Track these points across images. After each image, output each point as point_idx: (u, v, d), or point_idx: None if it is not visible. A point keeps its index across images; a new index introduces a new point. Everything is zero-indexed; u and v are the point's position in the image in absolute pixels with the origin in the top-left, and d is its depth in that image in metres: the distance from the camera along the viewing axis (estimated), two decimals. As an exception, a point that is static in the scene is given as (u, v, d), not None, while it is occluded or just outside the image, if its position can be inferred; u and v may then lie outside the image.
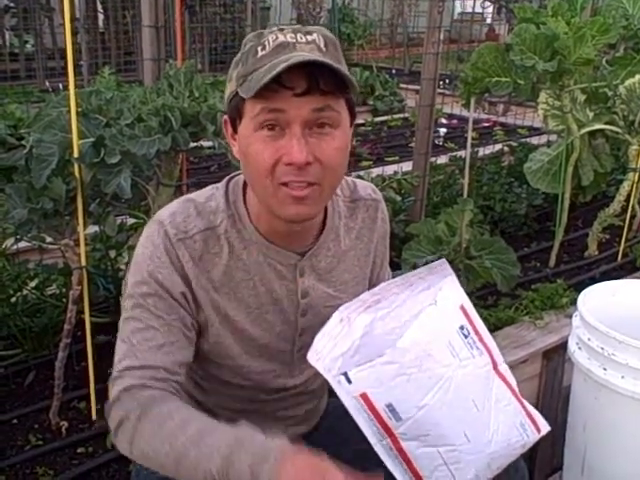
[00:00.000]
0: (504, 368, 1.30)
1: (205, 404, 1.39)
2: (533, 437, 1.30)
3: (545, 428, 1.33)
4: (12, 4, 8.79)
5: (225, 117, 1.22)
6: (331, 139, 1.13)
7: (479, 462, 1.21)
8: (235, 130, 1.18)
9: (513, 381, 1.32)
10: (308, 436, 1.51)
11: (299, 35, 1.11)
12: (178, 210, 1.24)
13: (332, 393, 1.54)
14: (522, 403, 1.31)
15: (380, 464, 1.17)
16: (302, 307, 1.31)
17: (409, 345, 1.13)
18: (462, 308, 1.26)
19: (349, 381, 1.11)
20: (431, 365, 1.15)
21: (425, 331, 1.16)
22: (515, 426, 1.26)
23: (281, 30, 1.12)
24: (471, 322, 1.25)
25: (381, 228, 1.42)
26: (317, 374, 1.37)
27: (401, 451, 1.15)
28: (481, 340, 1.25)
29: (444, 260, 1.32)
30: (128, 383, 1.16)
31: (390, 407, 1.12)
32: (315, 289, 1.31)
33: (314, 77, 1.08)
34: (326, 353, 1.14)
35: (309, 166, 1.12)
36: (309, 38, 1.11)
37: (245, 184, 1.27)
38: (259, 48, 1.11)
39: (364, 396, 1.12)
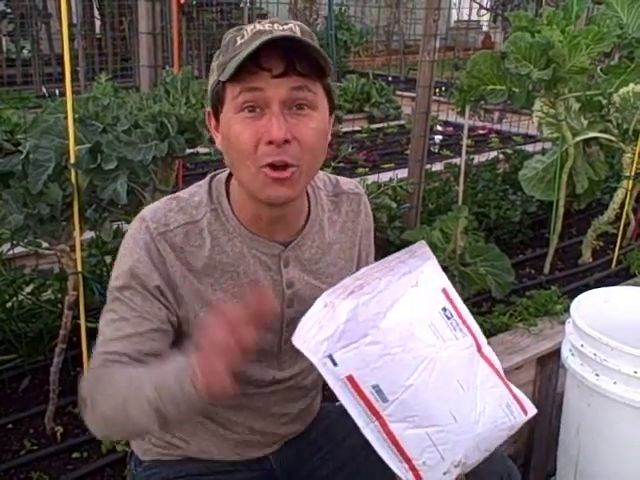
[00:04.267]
0: (488, 351, 1.31)
1: None
2: (520, 418, 1.30)
3: (532, 410, 1.33)
4: (9, 10, 8.80)
5: (208, 109, 1.25)
6: (309, 120, 1.18)
7: (467, 443, 1.21)
8: (217, 120, 1.22)
9: (498, 364, 1.32)
10: (303, 437, 1.52)
11: (276, 25, 1.17)
12: (160, 206, 1.28)
13: (326, 397, 1.55)
14: (508, 385, 1.31)
15: (373, 462, 1.17)
16: (288, 297, 1.33)
17: (392, 325, 1.14)
18: (444, 291, 1.26)
19: (335, 363, 1.12)
20: (415, 345, 1.15)
21: (407, 312, 1.16)
22: (501, 407, 1.27)
23: (260, 22, 1.18)
24: (454, 305, 1.25)
25: (364, 222, 1.45)
26: (307, 369, 1.39)
27: (389, 434, 1.16)
28: (464, 323, 1.25)
29: (424, 243, 1.31)
30: (91, 365, 1.23)
31: (376, 388, 1.13)
32: (300, 280, 1.33)
33: (291, 60, 1.13)
34: (311, 337, 1.14)
35: (288, 145, 1.15)
36: (286, 27, 1.17)
37: (228, 180, 1.31)
38: (238, 38, 1.18)
39: (350, 378, 1.12)
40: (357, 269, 1.44)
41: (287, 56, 1.13)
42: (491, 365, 1.29)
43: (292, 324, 1.33)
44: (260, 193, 1.20)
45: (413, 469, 1.18)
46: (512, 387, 1.32)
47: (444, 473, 1.20)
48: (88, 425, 1.23)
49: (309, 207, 1.35)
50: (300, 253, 1.33)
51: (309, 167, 1.21)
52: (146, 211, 1.28)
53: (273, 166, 1.16)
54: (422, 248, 1.31)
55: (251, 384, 1.37)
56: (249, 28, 1.18)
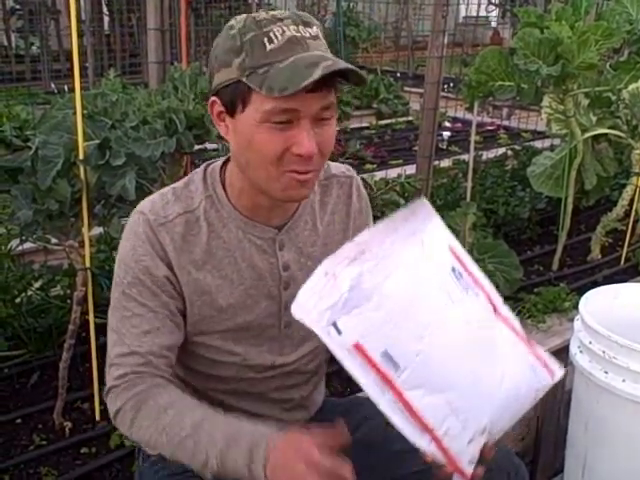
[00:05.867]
0: (505, 311, 1.22)
1: (196, 387, 1.41)
2: (546, 382, 1.21)
3: (559, 372, 1.23)
4: (18, 6, 8.83)
5: (214, 98, 1.21)
6: (329, 127, 1.20)
7: (489, 408, 1.13)
8: (229, 113, 1.19)
9: (518, 325, 1.23)
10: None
11: (301, 28, 1.15)
12: (157, 198, 1.30)
13: (332, 393, 1.55)
14: (531, 346, 1.22)
15: (379, 458, 1.16)
16: (284, 280, 1.34)
17: (396, 289, 1.08)
18: (451, 249, 1.19)
19: (339, 331, 1.05)
20: (421, 309, 1.09)
21: (413, 274, 1.10)
22: (524, 370, 1.18)
23: (280, 20, 1.14)
24: (462, 264, 1.18)
25: (357, 203, 1.46)
26: (310, 354, 1.40)
27: (406, 404, 1.07)
28: (476, 282, 1.18)
29: (425, 200, 1.22)
30: (121, 371, 1.24)
31: (386, 355, 1.06)
32: (296, 262, 1.35)
33: (325, 77, 1.11)
34: (312, 307, 1.07)
35: (313, 156, 1.18)
36: (312, 32, 1.16)
37: (222, 168, 1.33)
38: (265, 40, 1.12)
39: (358, 346, 1.05)
40: None
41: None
42: (510, 326, 1.21)
43: (289, 308, 1.33)
44: (281, 193, 1.22)
45: (435, 440, 1.09)
46: (536, 346, 1.23)
47: (469, 442, 1.11)
48: (117, 427, 1.26)
49: None
50: (294, 236, 1.36)
51: (322, 168, 1.28)
52: (144, 203, 1.30)
53: (298, 171, 1.19)
54: (423, 206, 1.21)
55: (250, 369, 1.38)
56: (276, 30, 1.12)
